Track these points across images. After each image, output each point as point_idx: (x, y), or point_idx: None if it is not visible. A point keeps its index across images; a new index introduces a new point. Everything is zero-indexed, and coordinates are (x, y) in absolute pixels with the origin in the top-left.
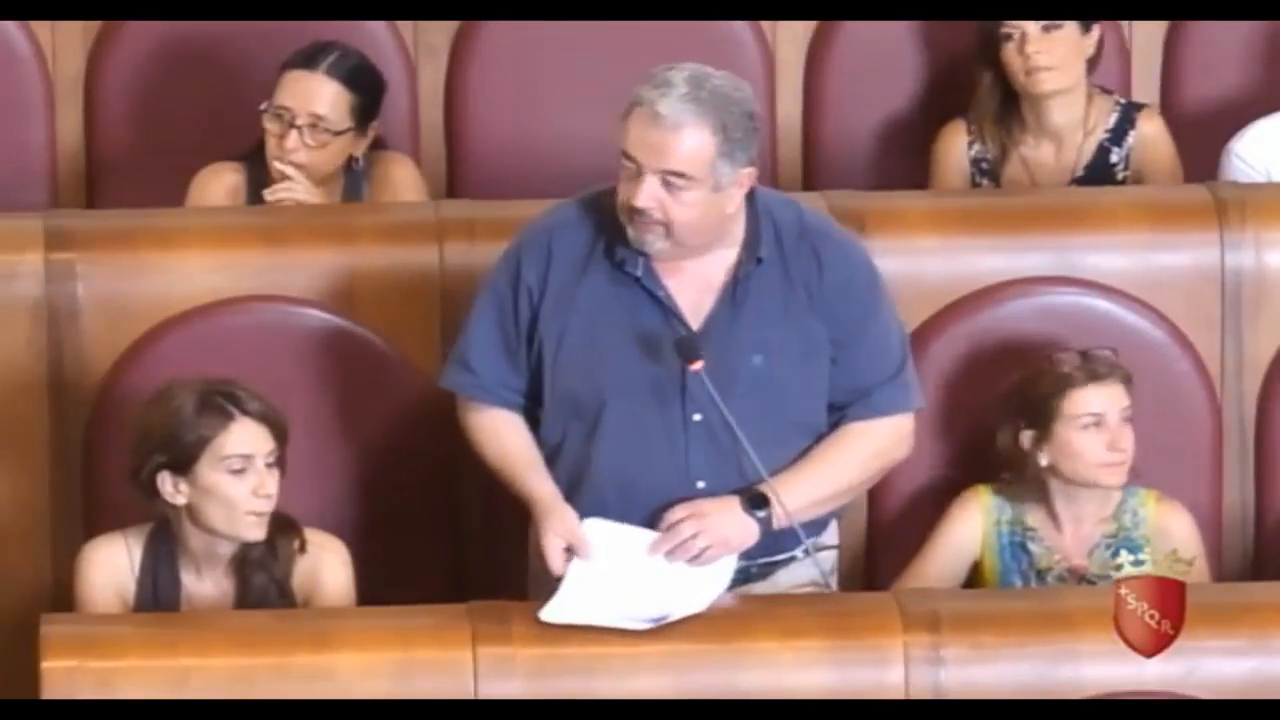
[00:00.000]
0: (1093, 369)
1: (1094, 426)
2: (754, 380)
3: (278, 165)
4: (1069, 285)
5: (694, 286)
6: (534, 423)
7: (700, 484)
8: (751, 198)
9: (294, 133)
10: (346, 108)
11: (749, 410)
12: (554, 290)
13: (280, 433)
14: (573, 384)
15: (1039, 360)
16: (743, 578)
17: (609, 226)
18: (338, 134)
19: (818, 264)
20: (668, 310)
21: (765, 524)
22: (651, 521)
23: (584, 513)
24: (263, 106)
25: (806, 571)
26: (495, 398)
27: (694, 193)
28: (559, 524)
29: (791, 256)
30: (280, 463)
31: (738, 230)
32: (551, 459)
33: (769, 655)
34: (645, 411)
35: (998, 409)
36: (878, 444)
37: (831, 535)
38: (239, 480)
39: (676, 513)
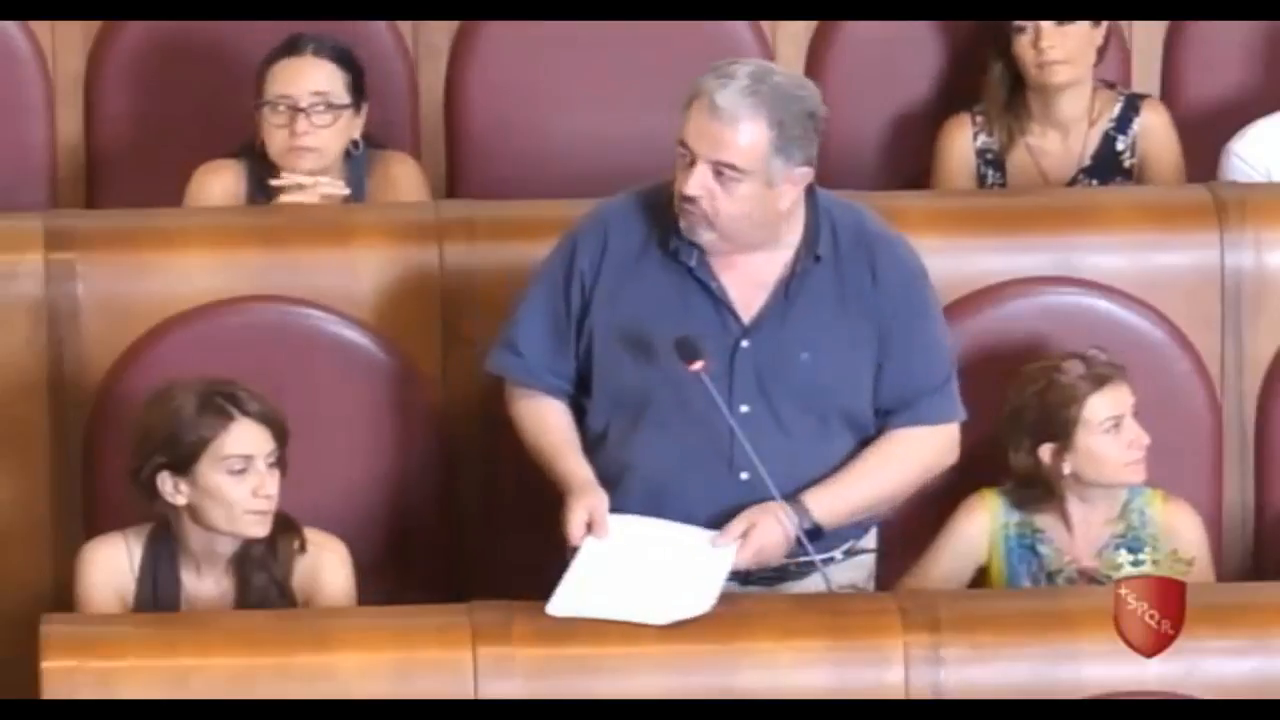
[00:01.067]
0: (1099, 373)
1: (1114, 429)
2: (801, 376)
3: (287, 177)
4: (1069, 285)
5: (747, 281)
6: (580, 411)
7: (743, 475)
8: (813, 198)
9: (301, 117)
10: (342, 84)
11: (796, 406)
12: (607, 279)
13: (280, 433)
14: (620, 373)
15: (1032, 373)
16: (779, 576)
17: (664, 218)
18: (341, 109)
19: (871, 267)
20: (719, 302)
21: (813, 535)
22: (693, 513)
23: (626, 502)
24: (256, 104)
25: (846, 573)
26: (541, 383)
27: (745, 186)
28: (587, 499)
29: (847, 258)
30: (281, 463)
31: (795, 228)
32: (595, 447)
33: (769, 655)
34: (691, 403)
35: (1008, 428)
36: (922, 453)
37: (871, 539)
38: (239, 481)
39: (736, 527)
